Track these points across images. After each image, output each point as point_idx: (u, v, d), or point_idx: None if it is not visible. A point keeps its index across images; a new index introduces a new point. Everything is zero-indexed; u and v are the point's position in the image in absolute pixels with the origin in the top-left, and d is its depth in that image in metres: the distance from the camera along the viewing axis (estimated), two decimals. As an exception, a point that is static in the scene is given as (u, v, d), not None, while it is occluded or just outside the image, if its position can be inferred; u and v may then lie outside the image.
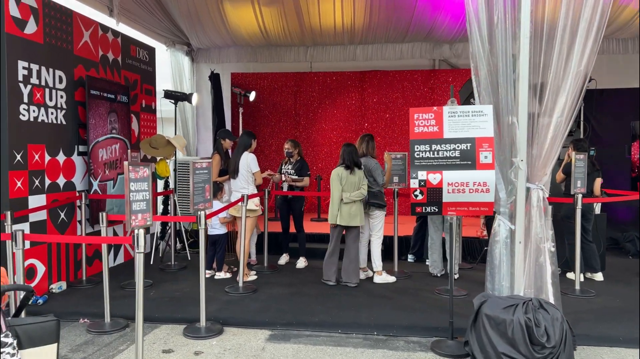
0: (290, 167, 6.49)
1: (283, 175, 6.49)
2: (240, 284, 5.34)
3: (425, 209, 3.82)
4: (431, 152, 3.77)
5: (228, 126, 9.54)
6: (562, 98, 3.77)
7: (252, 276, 5.83)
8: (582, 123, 6.91)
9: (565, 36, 3.77)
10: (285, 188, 6.51)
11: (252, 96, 8.92)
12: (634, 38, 8.45)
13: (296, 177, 6.39)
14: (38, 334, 2.48)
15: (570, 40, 3.77)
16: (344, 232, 5.68)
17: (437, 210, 3.82)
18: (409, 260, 6.73)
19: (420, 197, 3.78)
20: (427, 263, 6.58)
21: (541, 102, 3.83)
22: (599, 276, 5.82)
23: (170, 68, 9.19)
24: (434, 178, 3.73)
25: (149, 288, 5.44)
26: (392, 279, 5.72)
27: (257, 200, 5.68)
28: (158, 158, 6.67)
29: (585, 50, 3.74)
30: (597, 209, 6.38)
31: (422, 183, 3.74)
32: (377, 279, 5.67)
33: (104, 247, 4.33)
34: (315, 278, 5.87)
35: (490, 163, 3.69)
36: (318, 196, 8.88)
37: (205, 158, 7.98)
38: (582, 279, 5.79)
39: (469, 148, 3.72)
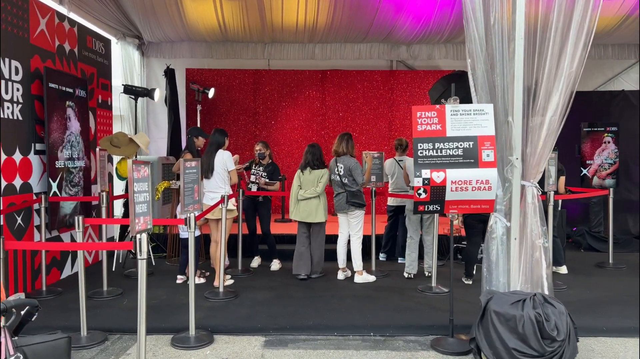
0: (261, 169, 6.29)
1: (254, 176, 6.28)
2: (221, 289, 5.09)
3: (428, 208, 3.81)
4: (434, 150, 3.76)
5: (183, 124, 9.15)
6: (555, 97, 3.89)
7: (229, 281, 5.59)
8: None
9: (557, 38, 3.89)
10: (254, 189, 6.30)
11: (212, 93, 8.60)
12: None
13: (268, 181, 6.21)
14: (49, 354, 2.19)
15: (562, 42, 3.90)
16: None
17: (439, 208, 3.82)
18: (380, 259, 6.75)
19: (423, 196, 3.76)
20: (399, 261, 6.66)
21: (535, 102, 3.94)
22: (563, 270, 6.12)
23: (121, 62, 8.66)
24: (437, 176, 3.73)
25: (120, 297, 5.07)
26: (372, 278, 5.70)
27: (233, 200, 5.46)
28: (119, 158, 6.24)
29: (576, 51, 3.87)
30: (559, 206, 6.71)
31: (426, 182, 3.73)
32: (358, 279, 5.62)
33: (80, 254, 3.95)
34: (295, 280, 5.73)
35: (492, 161, 3.74)
36: (282, 196, 8.72)
37: (164, 157, 7.60)
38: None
39: (471, 146, 3.75)
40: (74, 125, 5.78)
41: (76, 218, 3.98)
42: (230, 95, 9.34)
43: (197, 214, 4.13)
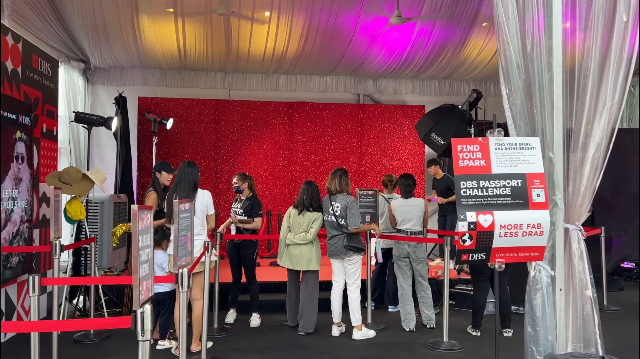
0: (239, 205, 5.53)
1: (231, 216, 5.51)
2: (203, 356, 4.22)
3: (472, 256, 3.27)
4: (479, 190, 3.26)
5: (134, 158, 8.19)
6: (598, 131, 3.55)
7: (209, 344, 4.70)
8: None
9: (595, 67, 3.59)
10: (233, 231, 5.51)
11: (170, 124, 7.76)
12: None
13: (245, 218, 5.44)
14: None
15: (600, 72, 3.60)
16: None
17: (484, 257, 3.30)
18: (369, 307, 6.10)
19: (468, 243, 3.22)
20: (389, 310, 6.05)
21: (575, 137, 3.58)
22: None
23: (64, 87, 7.64)
24: (484, 219, 3.21)
25: (75, 373, 4.06)
26: (372, 333, 5.03)
27: (214, 250, 4.66)
28: (69, 197, 5.26)
29: (617, 82, 3.58)
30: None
31: (472, 226, 3.20)
32: (357, 335, 4.94)
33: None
34: (285, 338, 4.95)
35: (543, 203, 3.29)
36: (268, 239, 7.96)
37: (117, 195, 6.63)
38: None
39: (520, 184, 3.29)
40: (23, 158, 4.78)
41: (30, 278, 3.05)
42: (188, 127, 8.52)
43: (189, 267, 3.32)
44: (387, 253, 5.84)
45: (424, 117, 6.33)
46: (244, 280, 5.54)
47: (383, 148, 9.01)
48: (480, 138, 3.33)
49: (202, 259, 4.26)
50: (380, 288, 6.14)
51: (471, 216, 3.21)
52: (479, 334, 5.11)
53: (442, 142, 5.98)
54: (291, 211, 5.16)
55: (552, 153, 3.51)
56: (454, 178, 3.26)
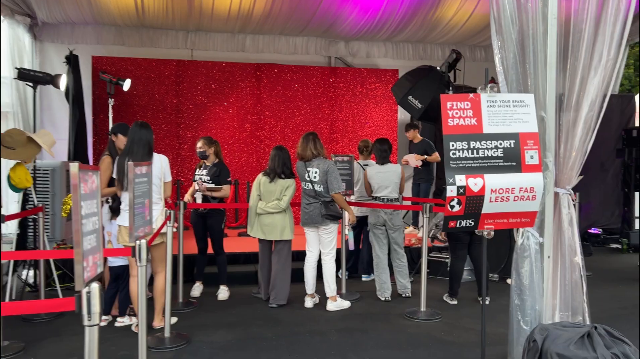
0: (205, 172, 5.14)
1: (196, 183, 5.11)
2: (167, 333, 3.90)
3: (460, 223, 3.02)
4: (470, 151, 2.98)
5: (89, 122, 7.61)
6: (592, 90, 3.32)
7: (173, 319, 4.37)
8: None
9: (590, 22, 3.32)
10: (199, 200, 5.13)
11: (127, 85, 7.17)
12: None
13: (213, 186, 5.06)
14: None
15: (596, 24, 3.34)
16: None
17: (473, 223, 3.05)
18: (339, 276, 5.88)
19: (457, 208, 2.96)
20: (363, 279, 5.86)
21: (569, 95, 3.34)
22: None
23: (8, 45, 6.94)
24: (474, 183, 2.95)
25: (22, 355, 3.67)
26: (347, 304, 4.81)
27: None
28: (13, 163, 4.75)
29: (613, 37, 3.33)
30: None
31: (461, 191, 2.93)
32: (331, 306, 4.71)
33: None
34: (255, 311, 4.67)
35: (537, 165, 3.05)
36: (236, 208, 7.58)
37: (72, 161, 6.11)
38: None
39: (512, 145, 3.03)
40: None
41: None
42: (148, 89, 7.94)
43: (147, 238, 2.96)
44: (361, 221, 5.58)
45: (401, 79, 6.01)
46: (210, 251, 5.19)
47: (355, 114, 8.68)
48: (471, 95, 3.04)
49: (163, 229, 3.88)
50: (354, 257, 5.91)
51: (460, 179, 2.94)
52: (455, 302, 4.97)
53: (420, 106, 5.70)
54: (261, 178, 4.82)
55: (544, 112, 3.26)
56: (443, 138, 2.97)
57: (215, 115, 8.17)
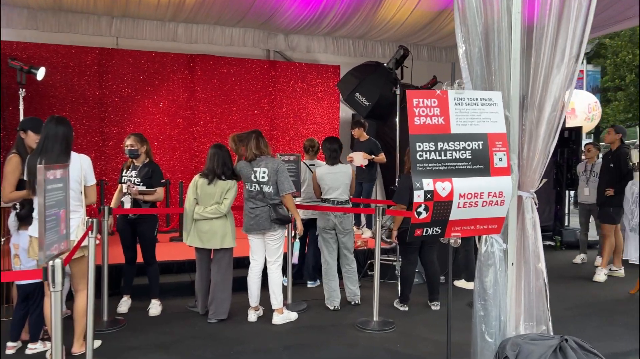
0: (134, 173, 4.58)
1: (125, 185, 4.55)
2: (89, 361, 3.36)
3: (427, 231, 2.76)
4: (437, 153, 2.72)
5: (-4, 115, 6.72)
6: (555, 87, 3.18)
7: (97, 343, 3.82)
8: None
9: (554, 15, 3.19)
10: (127, 204, 4.56)
11: (41, 73, 6.37)
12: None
13: (144, 189, 4.52)
14: None
15: (558, 20, 3.21)
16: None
17: (440, 231, 2.80)
18: (284, 284, 5.52)
19: (424, 215, 2.70)
20: (308, 286, 5.54)
21: (532, 94, 3.18)
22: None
23: None
24: (442, 188, 2.70)
25: None
26: (294, 316, 4.46)
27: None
28: None
29: (576, 32, 3.21)
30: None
31: (429, 196, 2.67)
32: (278, 319, 4.33)
33: None
34: (194, 329, 4.20)
35: (505, 167, 2.85)
36: (168, 212, 6.97)
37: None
38: (472, 287, 5.54)
39: (481, 147, 2.81)
40: None
41: None
42: (66, 79, 7.15)
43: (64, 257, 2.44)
44: (307, 224, 5.24)
45: (347, 75, 5.73)
46: (140, 260, 4.65)
47: (296, 110, 8.32)
48: (438, 91, 2.78)
49: (85, 242, 3.33)
50: (300, 262, 5.56)
51: (428, 183, 2.67)
52: (407, 309, 4.77)
53: (367, 103, 5.46)
54: (198, 180, 4.35)
55: (508, 111, 3.07)
56: (409, 138, 2.69)
57: (143, 109, 7.51)
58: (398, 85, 5.55)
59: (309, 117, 8.41)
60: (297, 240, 4.47)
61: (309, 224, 5.24)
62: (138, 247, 4.63)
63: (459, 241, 2.96)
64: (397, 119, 5.57)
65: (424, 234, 2.76)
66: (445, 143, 2.74)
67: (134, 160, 4.59)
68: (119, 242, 4.62)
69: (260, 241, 4.33)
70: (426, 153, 2.70)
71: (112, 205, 4.60)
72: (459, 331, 4.20)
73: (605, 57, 19.05)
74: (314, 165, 5.34)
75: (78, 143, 7.19)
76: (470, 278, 5.54)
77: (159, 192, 4.57)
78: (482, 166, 2.79)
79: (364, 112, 5.53)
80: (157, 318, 4.50)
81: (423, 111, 2.72)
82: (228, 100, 7.91)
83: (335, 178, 4.62)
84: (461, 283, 5.59)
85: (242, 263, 5.41)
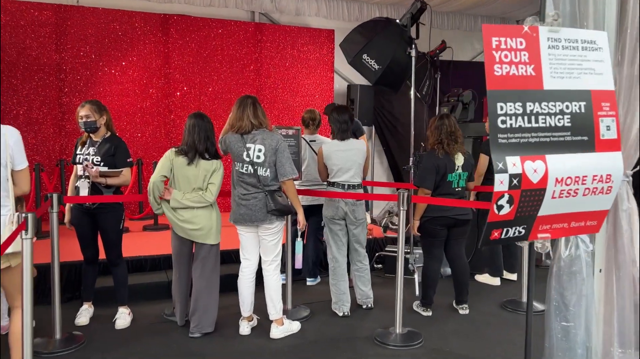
0: (92, 150, 3.62)
1: (81, 166, 3.59)
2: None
3: (507, 232, 1.93)
4: (525, 118, 1.87)
5: None
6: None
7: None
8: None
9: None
10: (83, 191, 3.61)
11: (-17, 32, 5.30)
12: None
13: (106, 169, 3.57)
14: None
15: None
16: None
17: (523, 232, 1.97)
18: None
19: (506, 210, 1.86)
20: (308, 283, 4.71)
21: (632, 42, 2.34)
22: (514, 276, 4.90)
23: None
24: (533, 170, 1.85)
25: None
26: (296, 326, 3.61)
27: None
28: None
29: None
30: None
31: (516, 182, 1.82)
32: (277, 332, 3.47)
33: None
34: (171, 347, 3.33)
35: (614, 140, 2.03)
36: (140, 200, 6.01)
37: None
38: (498, 283, 4.80)
39: (582, 110, 1.97)
40: None
41: None
42: (16, 40, 6.05)
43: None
44: (307, 211, 4.34)
45: (352, 34, 4.79)
46: (103, 257, 3.74)
47: (285, 81, 7.37)
48: (526, 27, 1.91)
49: (15, 247, 2.41)
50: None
51: (514, 163, 1.83)
52: (430, 314, 3.97)
53: (377, 67, 4.57)
54: (174, 158, 3.40)
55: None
56: (487, 95, 1.83)
57: (110, 77, 6.47)
58: (413, 46, 4.66)
59: (300, 88, 7.47)
60: (300, 239, 3.60)
61: (309, 211, 4.36)
62: (101, 243, 3.71)
63: (548, 245, 2.12)
64: (412, 88, 4.70)
65: (502, 236, 1.93)
66: (537, 105, 1.89)
67: (91, 135, 3.63)
68: (76, 239, 3.69)
69: (254, 236, 3.45)
70: (511, 119, 1.84)
71: (68, 190, 3.67)
72: (494, 340, 3.45)
73: None
74: (315, 141, 4.46)
75: (33, 116, 6.17)
76: (495, 272, 4.79)
77: (125, 174, 3.64)
78: (585, 137, 1.96)
79: (373, 77, 4.63)
80: (125, 331, 3.61)
81: (506, 56, 1.86)
82: (208, 68, 6.91)
83: (347, 157, 3.74)
84: (484, 278, 4.83)
85: (230, 258, 4.57)
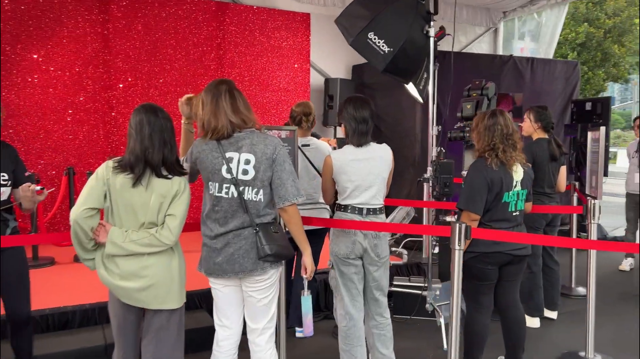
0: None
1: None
2: None
3: None
4: None
5: None
6: None
7: None
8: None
9: None
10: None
11: None
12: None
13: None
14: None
15: None
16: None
17: None
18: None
19: None
20: (297, 334, 3.56)
21: None
22: (554, 314, 3.94)
23: None
24: None
25: None
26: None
27: None
28: None
29: None
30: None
31: None
32: None
33: None
34: None
35: None
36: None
37: None
38: (538, 324, 3.81)
39: None
40: None
41: None
42: None
43: None
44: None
45: (352, 6, 3.61)
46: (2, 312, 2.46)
47: (253, 72, 6.19)
48: None
49: None
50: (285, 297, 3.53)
51: None
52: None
53: (387, 49, 3.46)
54: (110, 177, 2.12)
55: None
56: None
57: (30, 63, 5.07)
58: (432, 24, 3.63)
59: (271, 81, 6.31)
60: (309, 293, 2.46)
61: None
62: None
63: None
64: (433, 75, 3.67)
65: None
66: None
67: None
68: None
69: (235, 291, 2.25)
70: None
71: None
72: None
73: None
74: (308, 145, 3.33)
75: None
76: (534, 311, 3.79)
77: (26, 192, 2.37)
78: None
79: (381, 62, 3.53)
80: None
81: None
82: (159, 54, 5.63)
83: (368, 170, 2.59)
84: (520, 318, 3.83)
85: (195, 304, 3.36)
